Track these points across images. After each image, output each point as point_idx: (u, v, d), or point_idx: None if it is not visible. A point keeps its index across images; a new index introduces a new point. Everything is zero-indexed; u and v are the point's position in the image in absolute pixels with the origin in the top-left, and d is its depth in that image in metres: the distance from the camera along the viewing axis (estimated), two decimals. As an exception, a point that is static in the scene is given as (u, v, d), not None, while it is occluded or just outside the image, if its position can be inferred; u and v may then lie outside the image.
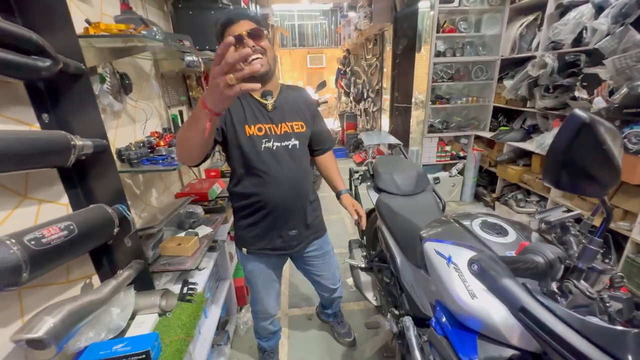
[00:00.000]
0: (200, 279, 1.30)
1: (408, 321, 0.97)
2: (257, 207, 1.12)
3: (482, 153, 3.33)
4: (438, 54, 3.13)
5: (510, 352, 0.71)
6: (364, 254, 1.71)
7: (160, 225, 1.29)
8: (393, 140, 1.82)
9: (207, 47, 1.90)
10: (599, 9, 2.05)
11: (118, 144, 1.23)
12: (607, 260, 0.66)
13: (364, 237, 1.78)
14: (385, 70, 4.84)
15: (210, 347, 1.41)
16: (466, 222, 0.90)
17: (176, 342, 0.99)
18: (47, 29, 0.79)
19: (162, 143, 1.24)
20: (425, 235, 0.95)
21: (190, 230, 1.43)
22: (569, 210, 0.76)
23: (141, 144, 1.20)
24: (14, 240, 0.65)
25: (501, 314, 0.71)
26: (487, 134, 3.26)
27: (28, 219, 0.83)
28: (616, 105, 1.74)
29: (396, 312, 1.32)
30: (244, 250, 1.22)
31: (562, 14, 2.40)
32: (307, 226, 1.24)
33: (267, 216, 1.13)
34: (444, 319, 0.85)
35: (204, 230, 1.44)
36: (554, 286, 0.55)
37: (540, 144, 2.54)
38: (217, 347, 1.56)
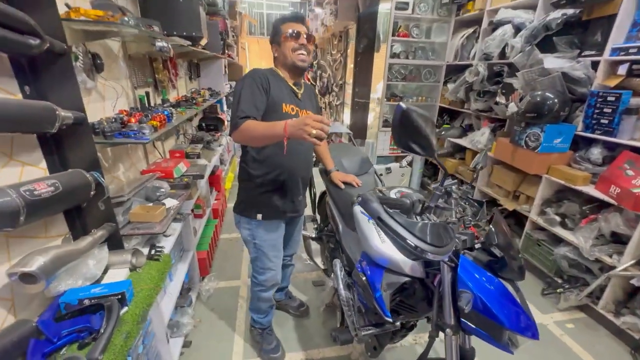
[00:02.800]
0: (166, 244, 1.46)
1: (338, 263, 1.23)
2: (278, 174, 1.31)
3: (428, 147, 3.75)
4: (393, 55, 3.46)
5: (404, 279, 0.99)
6: (315, 226, 1.96)
7: (129, 195, 1.42)
8: (344, 129, 2.08)
9: (175, 33, 1.99)
10: (518, 29, 2.48)
11: (90, 119, 1.33)
12: (478, 218, 0.97)
13: (317, 214, 2.03)
14: (349, 66, 5.11)
15: (175, 307, 1.58)
16: (386, 191, 1.18)
17: (146, 290, 1.16)
18: (35, 10, 0.91)
19: (133, 120, 1.36)
20: (355, 200, 1.21)
21: (157, 201, 1.57)
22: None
23: (112, 120, 1.32)
24: (13, 190, 0.79)
25: (400, 255, 0.99)
26: (433, 131, 3.67)
27: (14, 178, 0.94)
28: (522, 110, 2.15)
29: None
30: (259, 216, 1.37)
31: (494, 29, 2.81)
32: (304, 195, 1.50)
33: (286, 183, 1.34)
34: (364, 264, 1.13)
35: (170, 202, 1.59)
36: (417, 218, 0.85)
37: (471, 140, 2.97)
38: (181, 308, 1.73)
